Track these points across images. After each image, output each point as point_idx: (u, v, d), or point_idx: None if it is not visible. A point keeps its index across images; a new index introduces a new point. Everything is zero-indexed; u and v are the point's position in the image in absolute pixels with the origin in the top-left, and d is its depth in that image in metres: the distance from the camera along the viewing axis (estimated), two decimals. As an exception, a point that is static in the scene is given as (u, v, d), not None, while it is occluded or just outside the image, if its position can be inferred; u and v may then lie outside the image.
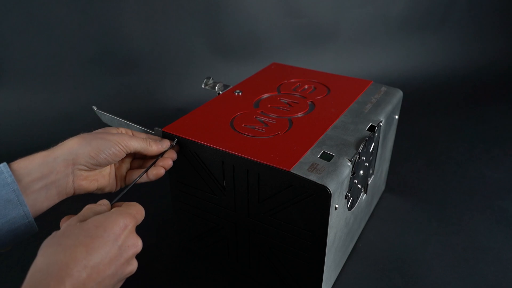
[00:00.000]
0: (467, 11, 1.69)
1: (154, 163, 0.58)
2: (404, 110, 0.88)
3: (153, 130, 0.65)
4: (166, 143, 0.59)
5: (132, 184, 0.54)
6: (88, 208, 0.43)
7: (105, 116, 0.70)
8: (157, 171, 0.57)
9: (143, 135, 0.59)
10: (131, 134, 0.58)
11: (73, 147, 0.49)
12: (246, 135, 0.62)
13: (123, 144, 0.52)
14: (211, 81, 0.83)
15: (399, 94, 0.80)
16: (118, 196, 0.50)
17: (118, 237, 0.40)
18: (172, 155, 0.60)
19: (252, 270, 0.68)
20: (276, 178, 0.54)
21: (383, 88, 0.80)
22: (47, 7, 1.21)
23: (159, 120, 1.19)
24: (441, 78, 1.59)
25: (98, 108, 0.71)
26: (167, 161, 0.58)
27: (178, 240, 0.77)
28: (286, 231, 0.58)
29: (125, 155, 0.54)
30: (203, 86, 0.83)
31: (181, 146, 0.62)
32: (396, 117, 0.81)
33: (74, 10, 1.24)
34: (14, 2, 1.17)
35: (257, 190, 0.58)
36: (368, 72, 1.55)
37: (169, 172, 0.67)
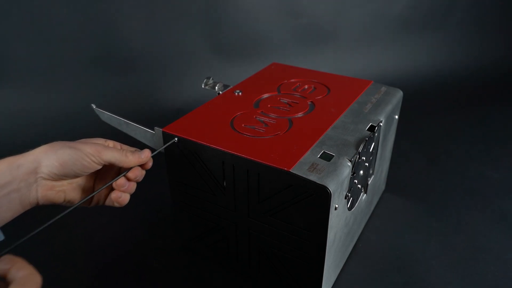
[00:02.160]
0: (467, 11, 1.69)
1: (122, 175, 0.52)
2: (404, 110, 0.88)
3: (153, 130, 0.65)
4: (146, 154, 0.53)
5: (83, 200, 0.50)
6: None
7: (104, 114, 0.70)
8: (115, 195, 0.51)
9: (119, 146, 0.54)
10: (111, 145, 0.53)
11: (39, 155, 0.46)
12: (246, 135, 0.62)
13: (95, 155, 0.48)
14: (211, 81, 0.83)
15: (399, 94, 0.80)
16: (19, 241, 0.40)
17: None
18: (148, 163, 0.54)
19: (252, 270, 0.68)
20: (276, 178, 0.54)
21: (383, 88, 0.80)
22: (47, 7, 1.21)
23: (159, 120, 1.19)
24: (441, 78, 1.59)
25: (97, 107, 0.71)
26: (135, 171, 0.52)
27: (178, 240, 0.77)
28: (286, 231, 0.58)
29: (99, 167, 0.50)
30: (203, 86, 0.83)
31: (181, 146, 0.62)
32: (396, 117, 0.81)
33: (74, 10, 1.24)
34: (14, 2, 1.17)
35: (257, 190, 0.58)
36: (368, 72, 1.55)
37: (169, 172, 0.67)
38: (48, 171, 0.46)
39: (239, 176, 0.58)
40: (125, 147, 0.55)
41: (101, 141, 0.53)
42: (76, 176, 0.49)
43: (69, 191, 0.50)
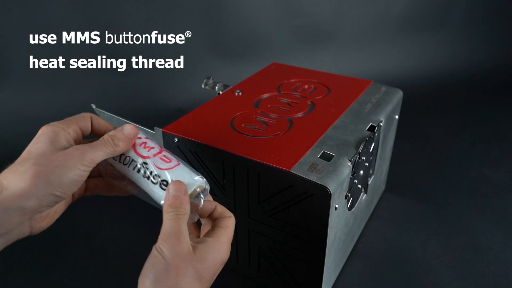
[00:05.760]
0: (467, 11, 1.69)
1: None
2: (404, 110, 0.88)
3: (153, 130, 0.65)
4: (131, 130, 0.44)
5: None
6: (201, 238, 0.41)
7: (104, 114, 0.70)
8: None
9: (103, 132, 0.45)
10: (81, 134, 0.44)
11: (29, 191, 0.36)
12: (246, 135, 0.62)
13: (86, 163, 0.39)
14: (211, 81, 0.83)
15: (399, 94, 0.80)
16: None
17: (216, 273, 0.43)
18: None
19: (252, 270, 0.68)
20: (276, 178, 0.54)
21: (383, 88, 0.80)
22: (47, 7, 1.21)
23: (159, 120, 1.19)
24: (441, 78, 1.59)
25: (97, 107, 0.71)
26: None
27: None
28: (286, 231, 0.58)
29: (88, 172, 0.41)
30: (203, 86, 0.83)
31: (181, 146, 0.62)
32: (396, 117, 0.81)
33: (74, 10, 1.24)
34: (14, 2, 1.17)
35: (257, 190, 0.57)
36: (368, 72, 1.55)
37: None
38: (47, 203, 0.38)
39: (239, 176, 0.58)
40: (105, 125, 0.46)
41: (63, 139, 0.41)
42: (73, 192, 0.41)
43: (59, 208, 0.44)
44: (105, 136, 0.43)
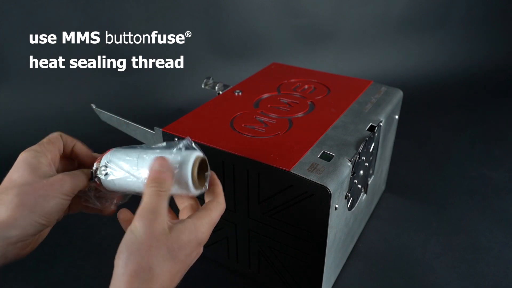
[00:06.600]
0: (467, 11, 1.69)
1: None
2: (404, 110, 0.88)
3: (153, 130, 0.65)
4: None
5: None
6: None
7: (104, 114, 0.70)
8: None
9: (72, 149, 0.47)
10: (59, 155, 0.45)
11: (14, 220, 0.37)
12: (246, 135, 0.62)
13: (67, 193, 0.41)
14: (211, 81, 0.83)
15: (399, 94, 0.80)
16: None
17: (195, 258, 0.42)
18: None
19: (252, 270, 0.68)
20: (276, 178, 0.54)
21: (383, 88, 0.80)
22: (47, 7, 1.21)
23: (159, 120, 1.19)
24: (441, 78, 1.58)
25: (97, 107, 0.71)
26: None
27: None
28: (286, 231, 0.58)
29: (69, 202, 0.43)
30: (203, 86, 0.83)
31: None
32: (396, 117, 0.81)
33: (74, 10, 1.24)
34: (14, 2, 1.17)
35: (257, 190, 0.57)
36: (368, 72, 1.55)
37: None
38: (34, 231, 0.39)
39: (239, 176, 0.58)
40: (73, 142, 0.47)
41: (44, 168, 0.41)
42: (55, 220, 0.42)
43: (44, 232, 0.44)
44: (86, 170, 0.45)
